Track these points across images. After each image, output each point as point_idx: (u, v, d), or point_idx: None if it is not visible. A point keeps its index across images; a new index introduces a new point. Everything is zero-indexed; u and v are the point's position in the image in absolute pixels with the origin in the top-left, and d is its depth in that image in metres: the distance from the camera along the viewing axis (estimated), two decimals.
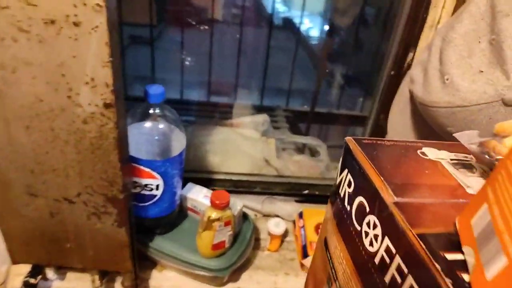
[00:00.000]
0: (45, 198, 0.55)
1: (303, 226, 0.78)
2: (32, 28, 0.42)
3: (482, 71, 0.44)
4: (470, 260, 0.21)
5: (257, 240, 0.79)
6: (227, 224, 0.64)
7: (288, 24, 1.83)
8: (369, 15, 1.44)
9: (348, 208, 0.32)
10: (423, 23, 0.65)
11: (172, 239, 0.68)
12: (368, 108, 1.56)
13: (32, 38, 0.42)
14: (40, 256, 0.62)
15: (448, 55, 0.46)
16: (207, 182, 0.80)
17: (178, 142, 0.61)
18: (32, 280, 0.63)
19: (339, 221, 0.33)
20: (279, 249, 0.78)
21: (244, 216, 0.74)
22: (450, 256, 0.22)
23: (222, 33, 1.33)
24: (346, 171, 0.33)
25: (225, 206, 0.62)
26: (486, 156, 0.29)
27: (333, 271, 0.35)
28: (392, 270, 0.25)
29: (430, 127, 0.54)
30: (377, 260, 0.27)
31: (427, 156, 0.33)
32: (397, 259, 0.25)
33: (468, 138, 0.30)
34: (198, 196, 0.70)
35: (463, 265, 0.22)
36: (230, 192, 0.81)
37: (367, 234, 0.28)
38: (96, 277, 0.64)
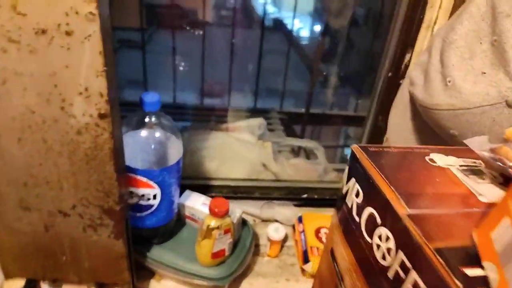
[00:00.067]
0: (39, 211, 0.53)
1: (303, 231, 0.77)
2: (22, 38, 0.40)
3: (484, 73, 0.44)
4: (493, 276, 0.20)
5: (257, 246, 0.78)
6: (226, 232, 0.62)
7: (279, 25, 1.83)
8: (360, 16, 1.44)
9: (357, 219, 0.31)
10: (420, 24, 0.65)
11: (170, 248, 0.66)
12: (362, 108, 1.57)
13: (23, 48, 0.41)
14: (34, 270, 0.60)
15: (449, 57, 0.46)
16: (205, 188, 0.78)
17: (175, 150, 0.60)
18: None
19: (347, 232, 0.32)
20: (279, 254, 0.77)
21: (243, 222, 0.73)
22: (470, 272, 0.21)
23: (213, 35, 1.32)
24: (353, 180, 0.32)
25: (225, 214, 0.61)
26: (499, 164, 0.28)
27: (342, 282, 0.34)
28: (407, 286, 0.24)
29: (431, 128, 0.54)
30: (390, 274, 0.26)
31: (435, 163, 0.32)
32: (413, 275, 0.24)
33: (479, 144, 0.29)
34: (196, 204, 0.69)
35: (483, 281, 0.21)
36: (228, 198, 0.80)
37: (378, 246, 0.27)
38: None
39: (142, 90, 1.25)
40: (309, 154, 1.17)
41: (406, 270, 0.24)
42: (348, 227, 0.32)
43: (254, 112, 1.42)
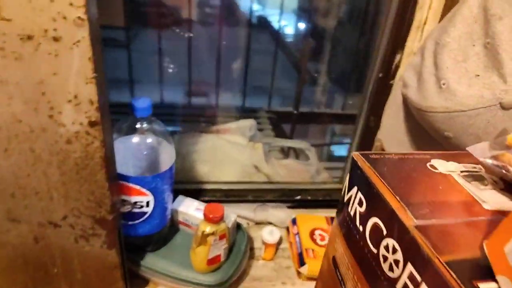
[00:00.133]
0: (28, 223, 0.51)
1: (297, 233, 0.76)
2: (6, 45, 0.39)
3: (478, 75, 0.44)
4: None
5: (251, 249, 0.77)
6: (222, 237, 0.62)
7: (263, 23, 1.82)
8: (344, 13, 1.44)
9: (361, 228, 0.30)
10: (410, 24, 0.65)
11: (164, 255, 0.65)
12: (349, 105, 1.57)
13: (8, 55, 0.39)
14: (24, 283, 0.58)
15: (443, 59, 0.46)
16: (197, 193, 0.77)
17: (167, 156, 0.58)
18: None
19: (350, 241, 0.32)
20: (274, 257, 0.77)
21: (238, 226, 0.72)
22: (484, 286, 0.21)
23: (197, 33, 1.30)
24: (355, 189, 0.32)
25: (220, 220, 0.60)
26: (503, 171, 0.28)
27: None
28: None
29: (424, 130, 0.54)
30: (399, 286, 0.25)
31: (437, 169, 0.32)
32: None
33: (481, 152, 0.29)
34: (189, 210, 0.68)
35: None
36: (221, 202, 0.79)
37: (385, 258, 0.27)
38: None
39: (127, 90, 1.23)
40: (298, 154, 1.16)
41: (415, 283, 0.24)
42: (351, 236, 0.32)
43: (242, 112, 1.42)
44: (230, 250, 0.67)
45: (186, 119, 1.32)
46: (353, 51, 1.55)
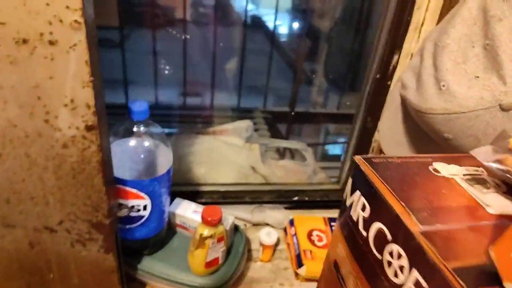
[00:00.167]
0: (24, 228, 0.51)
1: (295, 234, 0.76)
2: (1, 49, 0.38)
3: (477, 77, 0.44)
4: None
5: (249, 250, 0.77)
6: (220, 240, 0.61)
7: (257, 23, 1.81)
8: (339, 13, 1.44)
9: (364, 233, 0.30)
10: (408, 25, 0.65)
11: (161, 259, 0.65)
12: (344, 105, 1.57)
13: (2, 59, 0.38)
14: None
15: (443, 61, 0.46)
16: (194, 195, 0.77)
17: (165, 159, 0.58)
18: None
19: (353, 246, 0.32)
20: (271, 258, 0.76)
21: (235, 228, 0.72)
22: None
23: (191, 33, 1.29)
24: (358, 193, 0.31)
25: (218, 222, 0.60)
26: (507, 175, 0.28)
27: None
28: None
29: (423, 131, 0.54)
30: None
31: (439, 173, 0.32)
32: None
33: (484, 156, 0.29)
34: (187, 212, 0.67)
35: None
36: (218, 203, 0.79)
37: (390, 263, 0.27)
38: None
39: (120, 91, 1.22)
40: (294, 154, 1.16)
41: None
42: (354, 241, 0.32)
43: (237, 112, 1.41)
44: (228, 252, 0.67)
45: (181, 120, 1.31)
46: (348, 51, 1.55)
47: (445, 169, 0.32)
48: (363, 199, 0.31)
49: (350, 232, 0.32)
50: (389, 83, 0.70)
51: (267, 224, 0.82)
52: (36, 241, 0.52)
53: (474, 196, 0.29)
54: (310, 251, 0.72)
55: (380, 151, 0.77)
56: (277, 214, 0.82)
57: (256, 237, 0.78)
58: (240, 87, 1.41)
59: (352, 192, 0.32)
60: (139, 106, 0.52)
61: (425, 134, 0.54)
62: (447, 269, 0.22)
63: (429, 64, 0.48)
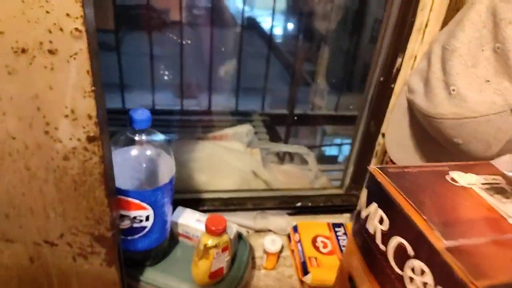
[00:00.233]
0: (23, 243, 0.49)
1: (299, 241, 0.75)
2: None
3: (488, 81, 0.43)
4: None
5: (252, 258, 0.75)
6: (224, 250, 0.60)
7: (253, 24, 1.80)
8: (336, 14, 1.43)
9: (382, 247, 0.29)
10: (411, 27, 0.64)
11: (164, 269, 0.63)
12: (342, 106, 1.56)
13: (0, 69, 0.37)
14: None
15: (453, 65, 0.45)
16: (196, 202, 0.75)
17: (167, 167, 0.56)
18: None
19: (370, 260, 0.31)
20: (275, 266, 0.75)
21: (239, 236, 0.71)
22: None
23: (187, 36, 1.28)
24: (374, 205, 0.30)
25: (222, 232, 0.58)
26: None
27: None
28: None
29: (430, 135, 0.53)
30: None
31: (457, 182, 0.31)
32: None
33: (505, 165, 0.28)
34: (190, 221, 0.66)
35: None
36: (221, 211, 0.78)
37: (412, 279, 0.26)
38: None
39: (115, 95, 1.20)
40: (293, 157, 1.15)
41: None
42: (370, 255, 0.31)
43: (235, 115, 1.40)
44: (232, 261, 0.65)
45: (179, 125, 1.29)
46: (343, 51, 1.55)
47: (463, 179, 0.31)
48: (380, 212, 0.29)
49: (366, 245, 0.31)
50: (392, 86, 0.69)
51: (270, 231, 0.81)
52: (36, 256, 0.50)
53: (494, 206, 0.28)
54: (316, 258, 0.70)
55: (384, 155, 0.76)
56: (280, 220, 0.80)
57: (259, 244, 0.77)
58: (237, 89, 1.40)
59: (368, 203, 0.31)
60: (141, 114, 0.51)
61: (433, 139, 0.53)
62: None
63: (438, 68, 0.47)
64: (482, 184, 0.31)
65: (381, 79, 0.69)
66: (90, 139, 0.42)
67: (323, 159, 1.62)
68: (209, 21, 1.31)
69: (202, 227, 0.64)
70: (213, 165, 0.83)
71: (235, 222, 0.76)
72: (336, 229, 0.78)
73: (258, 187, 0.86)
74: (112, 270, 0.53)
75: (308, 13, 1.43)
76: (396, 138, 0.59)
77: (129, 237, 0.57)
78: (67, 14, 0.35)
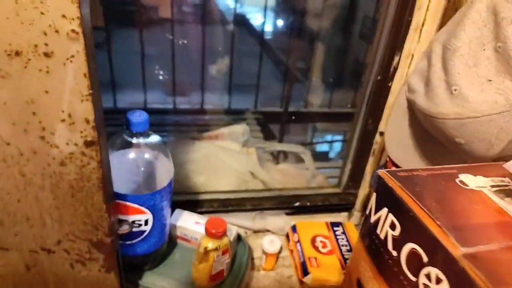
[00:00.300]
0: (19, 251, 0.48)
1: (298, 241, 0.75)
2: None
3: (490, 80, 0.43)
4: None
5: (251, 259, 0.75)
6: (224, 252, 0.59)
7: (243, 21, 1.78)
8: (328, 11, 1.43)
9: (394, 253, 0.28)
10: (408, 26, 0.64)
11: (162, 273, 0.62)
12: (335, 103, 1.56)
13: None
14: None
15: (455, 65, 0.44)
16: (194, 204, 0.74)
17: (166, 170, 0.55)
18: None
19: (381, 266, 0.30)
20: (274, 267, 0.75)
21: (238, 237, 0.70)
22: None
23: (178, 34, 1.26)
24: (385, 210, 0.30)
25: (223, 235, 0.57)
26: None
27: None
28: None
29: (430, 135, 0.53)
30: None
31: (467, 185, 0.30)
32: None
33: None
34: (189, 224, 0.65)
35: None
36: (219, 212, 0.77)
37: (427, 286, 0.25)
38: None
39: (106, 93, 1.18)
40: (288, 155, 1.15)
41: None
42: (381, 260, 0.30)
43: (228, 113, 1.39)
44: (231, 263, 0.65)
45: (172, 124, 1.28)
46: (336, 48, 1.54)
47: (472, 181, 0.31)
48: (391, 217, 0.29)
49: (376, 250, 0.31)
50: (390, 84, 0.69)
51: (268, 231, 0.81)
52: (32, 263, 0.49)
53: (506, 210, 0.28)
54: (315, 258, 0.70)
55: (381, 154, 0.76)
56: (278, 220, 0.80)
57: (257, 244, 0.76)
58: (230, 87, 1.38)
59: (378, 208, 0.31)
60: (139, 117, 0.50)
61: (433, 138, 0.53)
62: None
63: (439, 68, 0.47)
64: (491, 186, 0.31)
65: (379, 77, 0.69)
66: (88, 144, 0.41)
67: (316, 156, 1.62)
68: (198, 18, 1.29)
69: (200, 230, 0.64)
70: (210, 165, 0.82)
71: (233, 223, 0.75)
72: (335, 228, 0.78)
73: (255, 187, 0.85)
74: (111, 276, 0.52)
75: (298, 10, 1.42)
76: (396, 138, 0.59)
77: (128, 242, 0.56)
78: (63, 15, 0.34)
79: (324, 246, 0.73)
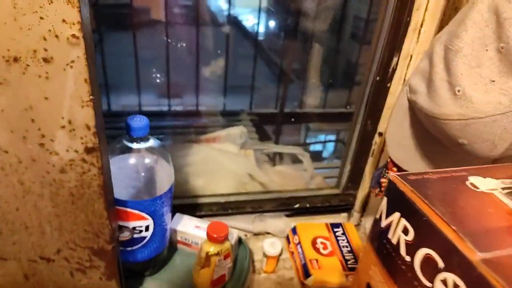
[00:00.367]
0: (17, 261, 0.47)
1: (299, 243, 0.74)
2: None
3: (493, 81, 0.43)
4: None
5: (252, 262, 0.74)
6: (226, 257, 0.58)
7: (234, 22, 1.77)
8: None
9: (408, 258, 0.28)
10: (407, 27, 0.64)
11: (163, 278, 0.61)
12: (329, 103, 1.56)
13: None
14: None
15: (457, 66, 0.44)
16: (193, 208, 0.74)
17: (166, 175, 0.55)
18: None
19: (393, 271, 0.30)
20: (275, 269, 0.74)
21: (238, 240, 0.69)
22: None
23: (173, 36, 1.25)
24: (397, 214, 0.29)
25: (224, 239, 0.57)
26: None
27: None
28: None
29: (432, 135, 0.53)
30: None
31: (478, 188, 0.30)
32: None
33: None
34: (189, 228, 0.64)
35: None
36: (219, 215, 0.76)
37: None
38: None
39: (101, 97, 1.16)
40: (283, 156, 1.14)
41: None
42: (393, 266, 0.30)
43: (224, 115, 1.38)
44: (233, 267, 0.64)
45: (167, 126, 1.26)
46: (330, 49, 1.54)
47: (483, 184, 0.30)
48: (404, 222, 0.29)
49: (388, 255, 0.30)
50: (388, 85, 0.69)
51: (268, 233, 0.80)
52: (31, 273, 0.48)
53: None
54: (317, 260, 0.70)
55: (381, 154, 0.76)
56: (278, 223, 0.79)
57: (258, 247, 0.76)
58: (225, 89, 1.37)
59: (390, 213, 0.30)
60: (139, 122, 0.49)
61: (434, 139, 0.53)
62: None
63: (441, 69, 0.47)
64: (502, 188, 0.30)
65: (377, 78, 0.69)
66: (89, 150, 0.40)
67: (312, 156, 1.62)
68: (191, 20, 1.28)
69: (201, 234, 0.63)
70: (208, 168, 0.81)
71: (233, 226, 0.74)
72: (335, 229, 0.77)
73: (254, 189, 0.84)
74: (112, 283, 0.51)
75: (292, 11, 1.42)
76: (397, 138, 0.58)
77: (128, 248, 0.55)
78: (63, 20, 0.33)
79: (325, 247, 0.73)
